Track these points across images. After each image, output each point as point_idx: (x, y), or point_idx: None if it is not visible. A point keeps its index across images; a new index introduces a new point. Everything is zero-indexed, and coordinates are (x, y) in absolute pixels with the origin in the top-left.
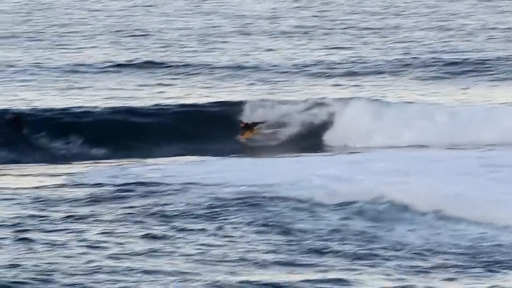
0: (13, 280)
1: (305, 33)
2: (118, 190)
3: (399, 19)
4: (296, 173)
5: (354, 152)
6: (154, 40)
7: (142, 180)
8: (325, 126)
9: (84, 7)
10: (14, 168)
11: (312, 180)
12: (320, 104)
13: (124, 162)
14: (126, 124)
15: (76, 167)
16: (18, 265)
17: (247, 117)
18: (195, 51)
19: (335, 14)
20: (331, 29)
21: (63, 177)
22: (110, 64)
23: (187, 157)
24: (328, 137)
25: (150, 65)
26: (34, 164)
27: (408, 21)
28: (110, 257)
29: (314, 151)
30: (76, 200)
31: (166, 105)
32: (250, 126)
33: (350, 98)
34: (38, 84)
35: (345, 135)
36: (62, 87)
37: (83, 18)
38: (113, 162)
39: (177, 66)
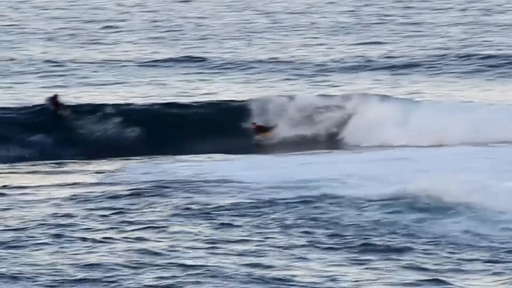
0: (55, 277)
1: (341, 27)
2: (155, 187)
3: (436, 13)
4: (331, 169)
5: (384, 150)
6: (191, 36)
7: (178, 177)
8: (347, 123)
9: (121, 2)
10: (50, 163)
11: (350, 176)
12: (345, 99)
13: (157, 158)
14: (160, 119)
15: (110, 163)
16: (58, 263)
17: (271, 112)
18: (232, 46)
19: (371, 9)
20: (367, 23)
21: (98, 174)
22: (147, 59)
23: (219, 154)
24: (350, 135)
25: (187, 59)
26: (69, 160)
27: (444, 15)
28: (151, 252)
29: (339, 149)
30: (114, 197)
31: (199, 101)
32: (263, 128)
33: (374, 95)
34: (76, 79)
35: (367, 133)
36: (99, 82)
37: (121, 13)
38: (146, 157)
39: (214, 62)
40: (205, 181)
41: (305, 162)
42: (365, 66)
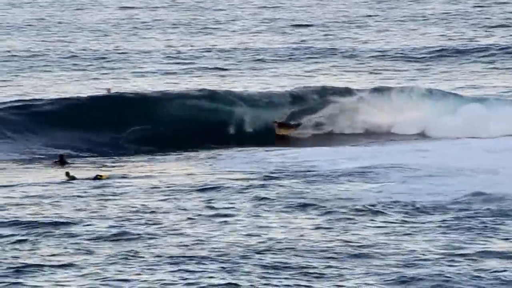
0: (182, 257)
1: (453, 14)
2: (268, 177)
3: None
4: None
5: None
6: (313, 28)
7: (285, 167)
8: (392, 115)
9: None
10: (147, 154)
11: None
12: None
13: (251, 148)
14: (256, 109)
15: (206, 152)
16: (187, 246)
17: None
18: (340, 37)
19: None
20: (479, 10)
21: (198, 162)
22: (257, 47)
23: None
24: (398, 126)
25: (296, 47)
26: (164, 151)
27: None
28: (280, 241)
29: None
30: (219, 187)
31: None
32: (285, 125)
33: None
34: (173, 70)
35: (412, 125)
36: (204, 69)
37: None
38: (240, 147)
39: (316, 49)
40: (321, 172)
41: (415, 150)
42: (476, 52)
